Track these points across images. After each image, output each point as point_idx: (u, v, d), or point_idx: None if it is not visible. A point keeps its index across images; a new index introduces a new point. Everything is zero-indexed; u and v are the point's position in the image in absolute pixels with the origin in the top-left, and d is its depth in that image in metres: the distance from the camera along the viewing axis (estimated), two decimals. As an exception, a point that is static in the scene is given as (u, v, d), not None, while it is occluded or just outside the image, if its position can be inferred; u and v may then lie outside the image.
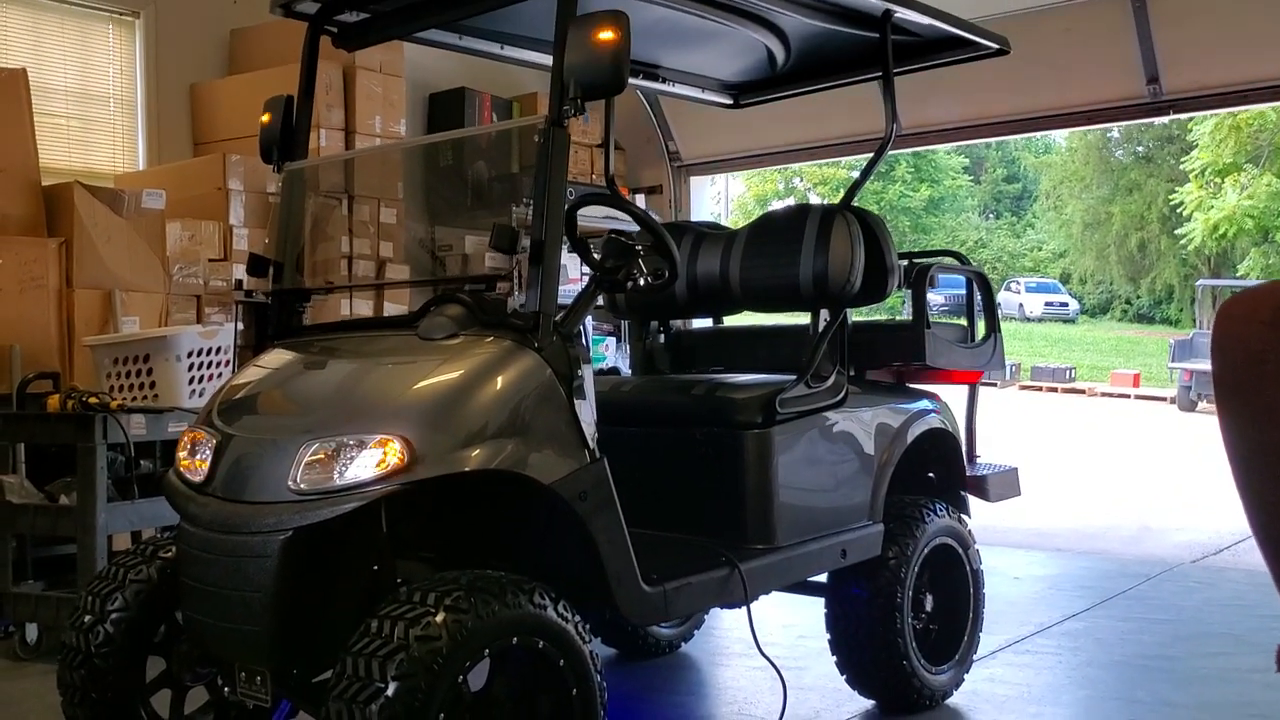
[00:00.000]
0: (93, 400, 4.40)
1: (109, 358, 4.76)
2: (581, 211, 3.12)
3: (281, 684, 2.71)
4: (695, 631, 4.68)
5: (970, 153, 41.95)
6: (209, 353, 4.74)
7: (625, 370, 5.94)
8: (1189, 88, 6.23)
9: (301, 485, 2.55)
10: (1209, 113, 21.07)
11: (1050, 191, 39.79)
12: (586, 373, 2.79)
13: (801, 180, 37.60)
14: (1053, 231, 40.43)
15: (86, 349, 5.02)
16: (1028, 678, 4.24)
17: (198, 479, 2.79)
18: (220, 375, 4.76)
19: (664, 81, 4.31)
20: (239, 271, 5.79)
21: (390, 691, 2.26)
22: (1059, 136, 38.64)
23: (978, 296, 4.29)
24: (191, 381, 4.68)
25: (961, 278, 4.30)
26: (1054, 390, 23.48)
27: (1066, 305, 35.93)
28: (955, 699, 3.89)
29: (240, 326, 5.09)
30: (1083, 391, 23.32)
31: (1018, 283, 36.24)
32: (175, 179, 6.00)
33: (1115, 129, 33.77)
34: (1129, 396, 22.25)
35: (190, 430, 2.92)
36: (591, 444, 2.76)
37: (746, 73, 4.35)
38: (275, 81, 5.83)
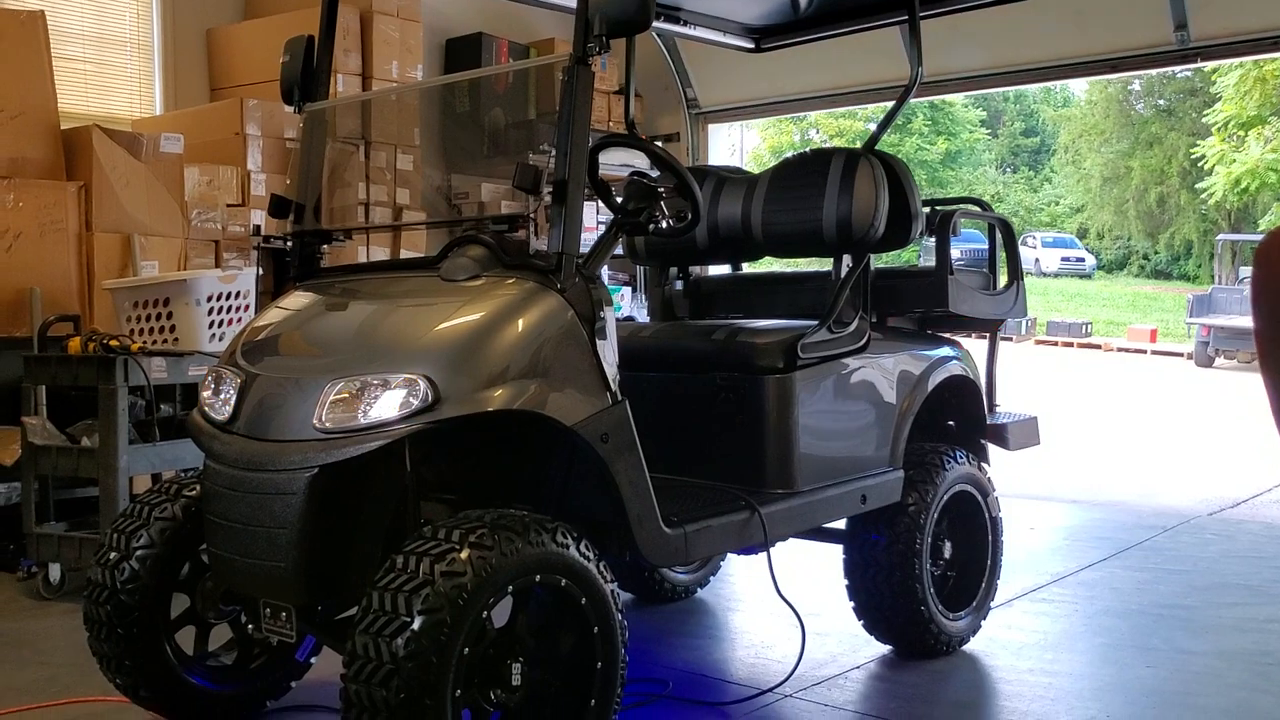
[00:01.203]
0: (114, 343, 4.42)
1: (129, 301, 4.77)
2: (600, 159, 3.09)
3: (306, 620, 2.74)
4: (711, 578, 4.71)
5: (988, 105, 41.53)
6: (228, 297, 4.75)
7: (641, 319, 5.94)
8: (1219, 34, 6.13)
9: (326, 424, 2.56)
10: (1238, 60, 20.78)
11: (1069, 145, 39.39)
12: (609, 315, 2.79)
13: (817, 132, 37.28)
14: (1070, 186, 40.08)
15: (106, 292, 5.04)
16: (1044, 625, 4.25)
17: (222, 417, 2.80)
18: (239, 319, 4.78)
19: (685, 24, 4.27)
20: (257, 217, 5.81)
21: (415, 625, 2.28)
22: (1078, 89, 38.26)
23: (1000, 245, 4.26)
24: (211, 325, 4.69)
25: (976, 232, 4.27)
26: (1069, 345, 23.40)
27: (1083, 260, 35.69)
28: (972, 645, 3.91)
29: (259, 271, 5.12)
30: (1099, 346, 23.24)
31: (1034, 237, 35.99)
32: (193, 124, 5.98)
33: (1136, 81, 33.45)
34: (1145, 352, 22.16)
35: (215, 369, 2.93)
36: (613, 386, 2.76)
37: (769, 16, 4.30)
38: (292, 26, 5.80)
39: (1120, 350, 22.72)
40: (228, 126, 5.97)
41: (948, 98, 36.18)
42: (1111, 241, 37.81)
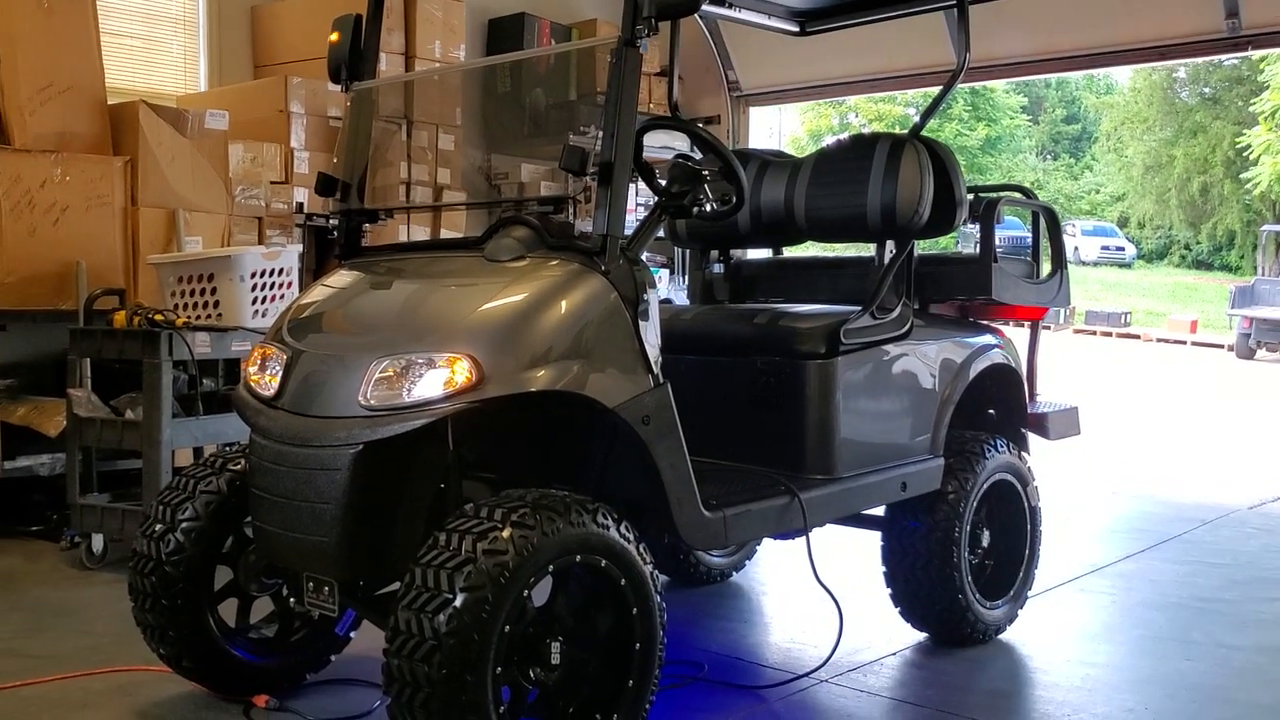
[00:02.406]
0: (158, 317, 4.46)
1: (173, 276, 4.82)
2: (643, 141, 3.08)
3: (348, 595, 2.77)
4: (747, 562, 4.71)
5: (1029, 92, 41.06)
6: (272, 273, 4.79)
7: (680, 302, 5.94)
8: (1272, 22, 6.02)
9: (371, 401, 2.58)
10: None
11: (1111, 133, 38.92)
12: (652, 297, 2.79)
13: (857, 116, 37.04)
14: (1112, 174, 39.61)
15: (151, 267, 5.09)
16: (1081, 616, 4.23)
17: (268, 393, 2.83)
18: (283, 296, 4.81)
19: (731, 7, 4.24)
20: (300, 194, 5.85)
21: (458, 602, 2.30)
22: (1122, 76, 37.77)
23: (1043, 233, 4.22)
24: (254, 302, 4.73)
25: (1015, 220, 4.23)
26: (1108, 335, 23.19)
27: (1123, 249, 35.28)
28: (1008, 634, 3.90)
29: (301, 249, 5.15)
30: (1138, 336, 23.02)
31: (1073, 225, 35.56)
32: (237, 101, 6.02)
33: (1182, 68, 32.95)
34: (1185, 343, 21.93)
35: (260, 346, 2.96)
36: (655, 368, 2.77)
37: (815, -1, 4.27)
38: (335, 4, 5.80)
39: (1160, 341, 22.49)
40: (272, 104, 6.01)
41: (989, 84, 35.86)
42: (1152, 231, 37.35)
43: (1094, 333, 23.39)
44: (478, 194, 7.20)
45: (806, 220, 3.85)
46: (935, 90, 3.85)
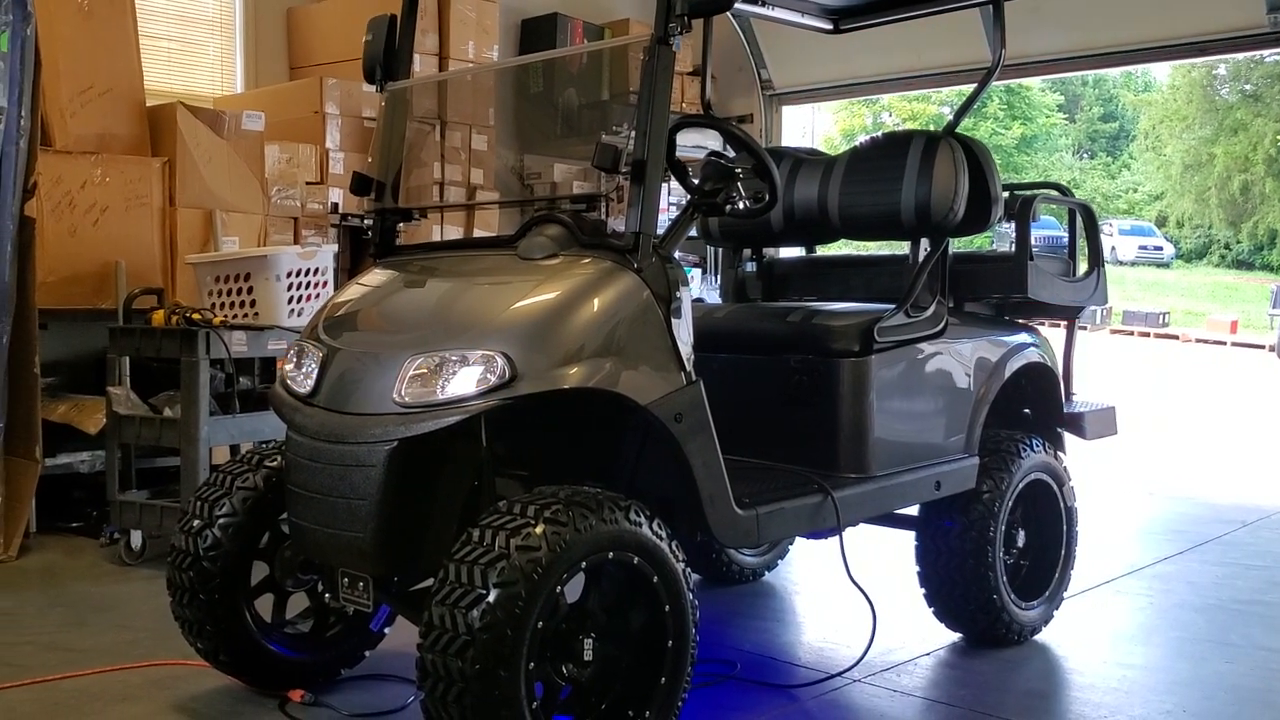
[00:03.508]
0: (196, 316, 4.51)
1: (210, 275, 4.86)
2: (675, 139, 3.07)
3: (383, 590, 2.79)
4: (779, 561, 4.70)
5: (1065, 90, 40.72)
6: (307, 273, 4.82)
7: (712, 300, 5.93)
8: (1316, 17, 5.95)
9: (405, 398, 2.60)
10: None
11: (1149, 131, 38.52)
12: (685, 295, 2.79)
13: (890, 115, 36.87)
14: (1150, 173, 39.21)
15: (189, 266, 5.14)
16: (1118, 618, 4.19)
17: (304, 390, 2.85)
18: (318, 295, 4.85)
19: (764, 4, 4.23)
20: (335, 195, 5.90)
21: (491, 597, 2.31)
22: (1160, 74, 37.38)
23: (1080, 231, 4.19)
24: (290, 301, 4.76)
25: (1049, 219, 4.20)
26: (1146, 335, 22.95)
27: (1161, 249, 34.92)
28: (1043, 635, 3.87)
29: (336, 249, 5.19)
30: (1176, 337, 22.77)
31: (1110, 225, 35.24)
32: (273, 102, 6.07)
33: (1222, 65, 32.55)
34: (1225, 343, 21.66)
35: (297, 343, 2.99)
36: (688, 366, 2.77)
37: (849, -4, 4.25)
38: (370, 6, 5.83)
39: (1199, 341, 22.23)
40: (307, 105, 6.06)
41: (1025, 81, 35.58)
42: (1191, 230, 36.94)
43: (1131, 333, 23.17)
44: (510, 194, 7.23)
45: (840, 218, 3.83)
46: (969, 89, 3.82)
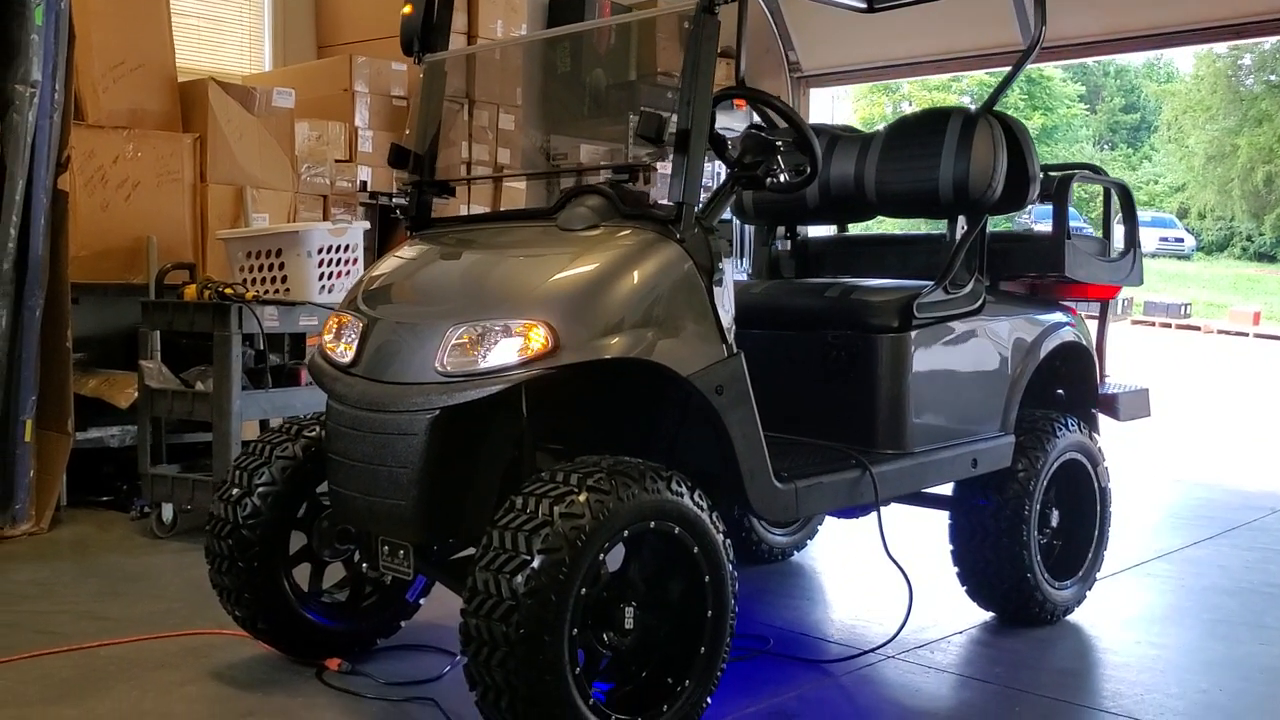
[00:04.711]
0: (229, 291, 4.52)
1: (242, 251, 4.88)
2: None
3: (422, 559, 2.80)
4: (808, 541, 4.70)
5: (1086, 80, 40.46)
6: (338, 249, 4.83)
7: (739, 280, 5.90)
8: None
9: (447, 367, 2.60)
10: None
11: (1172, 122, 38.25)
12: (727, 266, 2.79)
13: (910, 105, 36.70)
14: (1171, 164, 38.93)
15: (219, 242, 5.16)
16: (1149, 599, 4.17)
17: (344, 360, 2.86)
18: (348, 272, 4.86)
19: (801, -19, 4.21)
20: (364, 173, 5.91)
21: (535, 564, 2.31)
22: (1184, 64, 37.11)
23: (1115, 211, 4.16)
24: (321, 277, 4.77)
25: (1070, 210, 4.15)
26: (1168, 326, 22.81)
27: (1181, 241, 34.68)
28: (1074, 616, 3.86)
29: (366, 225, 5.19)
30: (1198, 328, 22.62)
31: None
32: (302, 80, 6.08)
33: (1248, 55, 32.27)
34: (1247, 335, 21.52)
35: (336, 314, 2.99)
36: (729, 338, 2.76)
37: (885, -25, 4.22)
38: (401, -17, 5.86)
39: (1221, 332, 22.08)
40: (336, 83, 6.06)
41: (1046, 71, 35.36)
42: (1213, 222, 36.68)
43: (1153, 324, 23.03)
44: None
45: (877, 195, 3.81)
46: (998, 72, 3.79)
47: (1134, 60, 42.31)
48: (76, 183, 4.91)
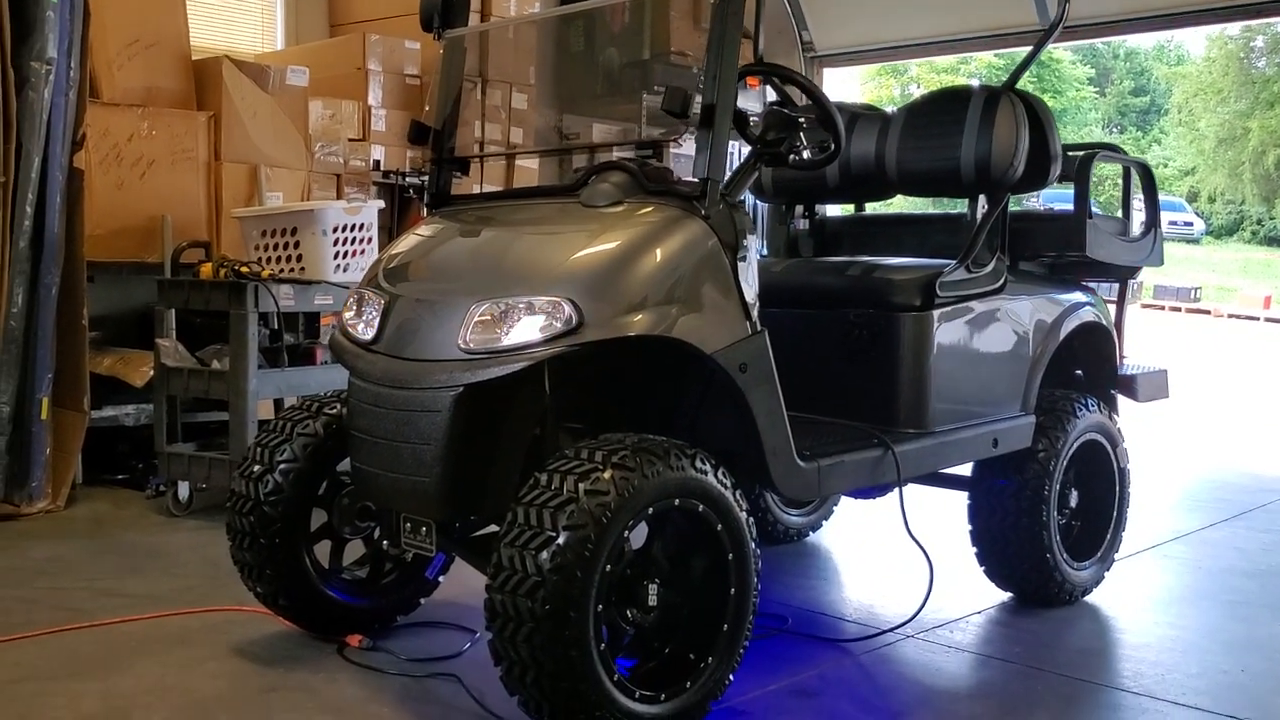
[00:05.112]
0: (245, 269, 4.52)
1: (257, 229, 4.87)
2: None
3: (444, 535, 2.80)
4: (823, 522, 4.69)
5: (1096, 63, 40.26)
6: (353, 228, 4.82)
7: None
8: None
9: (470, 344, 2.59)
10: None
11: (1182, 105, 38.04)
12: (752, 242, 2.77)
13: (919, 87, 36.54)
14: (1181, 147, 38.75)
15: (233, 221, 5.15)
16: (1167, 580, 4.17)
17: (366, 337, 2.85)
18: (363, 251, 4.84)
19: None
20: (377, 152, 5.88)
21: (561, 540, 2.31)
22: (1195, 47, 36.90)
23: (1135, 190, 4.14)
24: (336, 256, 4.76)
25: (1064, 192, 4.13)
26: (1177, 310, 22.76)
27: (1191, 225, 34.54)
28: (1092, 597, 3.85)
29: (382, 205, 5.17)
30: (1208, 312, 22.57)
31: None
32: (315, 59, 6.06)
33: (1260, 37, 32.08)
34: (1258, 319, 21.46)
35: (357, 291, 2.98)
36: (753, 315, 2.75)
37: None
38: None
39: (1231, 316, 22.03)
40: (349, 61, 6.04)
41: (1055, 54, 35.15)
42: (1223, 205, 36.53)
43: (1162, 308, 22.99)
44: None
45: (898, 174, 3.79)
46: (1007, 53, 3.77)
47: (1144, 43, 42.12)
48: (91, 161, 4.90)
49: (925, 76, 35.55)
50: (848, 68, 8.28)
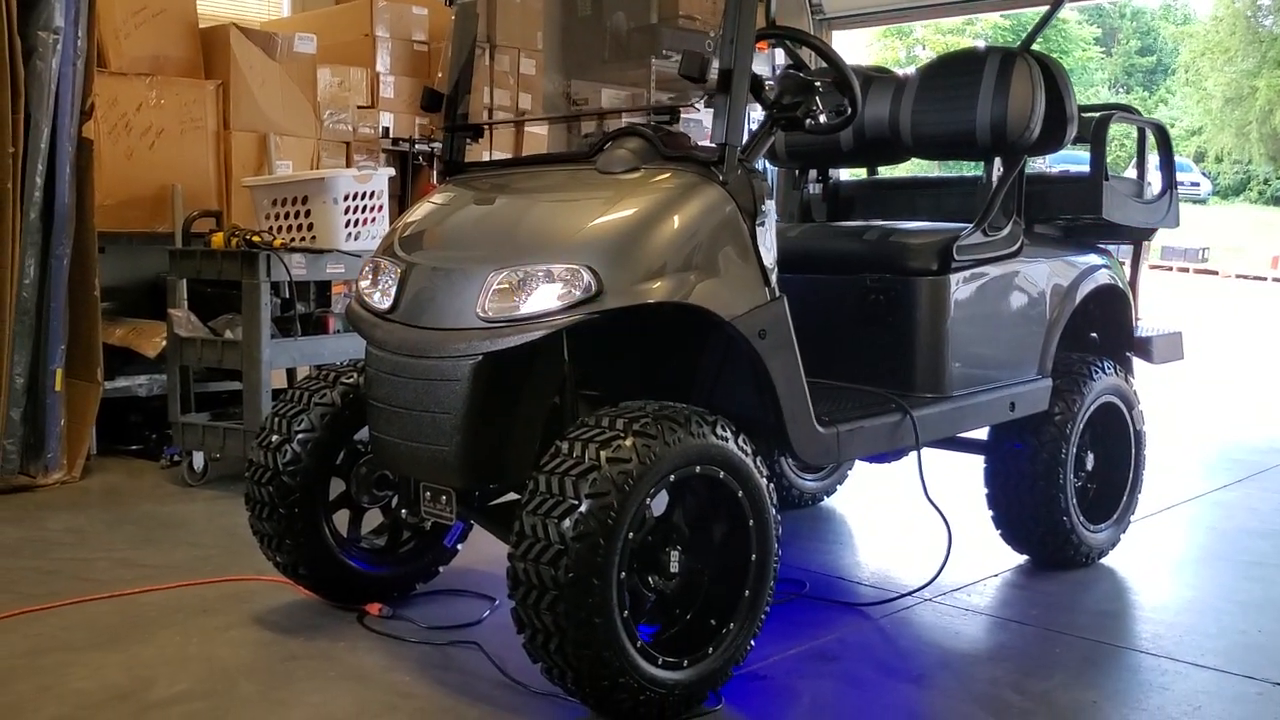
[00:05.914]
0: (256, 239, 4.50)
1: (267, 199, 4.85)
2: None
3: (464, 504, 2.80)
4: (838, 486, 4.70)
5: (1102, 22, 39.91)
6: (364, 196, 4.80)
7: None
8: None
9: (489, 312, 2.58)
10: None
11: (1189, 64, 37.72)
12: (769, 208, 2.75)
13: (925, 49, 36.27)
14: (1188, 107, 38.45)
15: (243, 190, 5.13)
16: (1182, 542, 4.18)
17: (382, 306, 2.84)
18: (374, 219, 4.83)
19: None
20: (386, 119, 5.85)
21: (584, 508, 2.31)
22: (1202, 6, 36.58)
23: (1150, 152, 4.11)
24: (347, 225, 4.75)
25: (1075, 153, 4.10)
26: (1185, 271, 22.69)
27: (1198, 185, 34.28)
28: (1110, 559, 3.86)
29: (393, 172, 5.14)
30: (1215, 273, 22.50)
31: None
32: (323, 26, 6.02)
33: (1268, -5, 31.76)
34: (1265, 279, 21.39)
35: (373, 260, 2.97)
36: (772, 281, 2.74)
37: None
38: (421, -74, 5.79)
39: (1239, 276, 21.95)
40: (357, 28, 6.00)
41: (1062, 14, 34.84)
42: (1230, 165, 36.30)
43: (1170, 269, 22.90)
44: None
45: (912, 137, 3.76)
46: (1013, 14, 3.73)
47: (1150, 2, 41.74)
48: (100, 131, 4.88)
49: (931, 38, 35.27)
50: (857, 29, 8.22)
